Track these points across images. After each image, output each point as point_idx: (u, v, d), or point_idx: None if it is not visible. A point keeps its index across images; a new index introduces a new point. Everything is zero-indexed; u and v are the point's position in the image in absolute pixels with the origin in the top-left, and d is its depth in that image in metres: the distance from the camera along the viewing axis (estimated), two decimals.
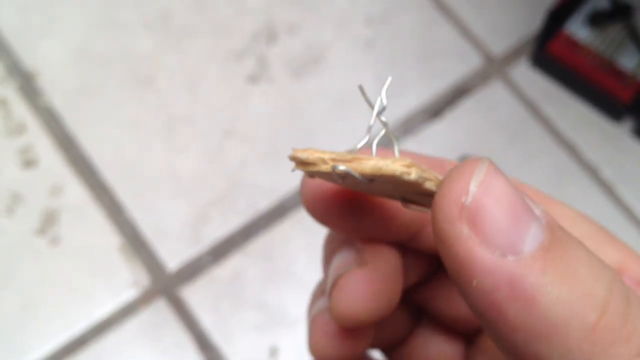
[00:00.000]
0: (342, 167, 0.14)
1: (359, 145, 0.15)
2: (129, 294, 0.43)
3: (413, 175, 0.14)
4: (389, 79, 0.15)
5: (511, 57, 0.52)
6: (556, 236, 0.13)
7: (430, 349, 0.20)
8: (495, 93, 0.51)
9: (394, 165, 0.14)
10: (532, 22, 0.52)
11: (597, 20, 0.50)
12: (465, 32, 0.52)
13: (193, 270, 0.44)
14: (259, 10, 0.52)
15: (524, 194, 0.14)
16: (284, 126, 0.49)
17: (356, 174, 0.14)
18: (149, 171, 0.47)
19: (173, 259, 0.44)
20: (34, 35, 0.50)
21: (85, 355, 0.41)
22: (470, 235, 0.13)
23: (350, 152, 0.15)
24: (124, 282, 0.43)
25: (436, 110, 0.50)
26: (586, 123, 0.50)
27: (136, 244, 0.44)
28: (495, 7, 0.53)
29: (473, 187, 0.13)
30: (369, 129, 0.15)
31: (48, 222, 0.44)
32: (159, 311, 0.43)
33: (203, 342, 0.42)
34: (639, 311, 0.13)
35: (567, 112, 0.51)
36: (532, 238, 0.13)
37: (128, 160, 0.47)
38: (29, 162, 0.46)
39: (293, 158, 0.15)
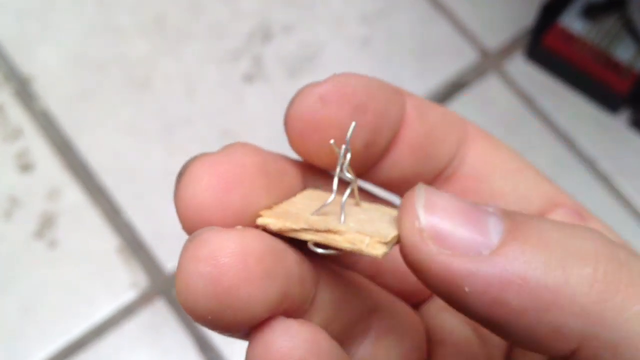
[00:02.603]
0: (320, 250, 0.14)
1: (328, 201, 0.15)
2: (127, 296, 0.43)
3: (383, 252, 0.14)
4: (353, 124, 0.15)
5: (506, 51, 0.52)
6: (515, 219, 0.14)
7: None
8: (491, 87, 0.51)
9: (370, 249, 0.14)
10: (526, 15, 0.52)
11: (592, 12, 0.50)
12: (459, 27, 0.52)
13: None
14: (254, 10, 0.52)
15: (469, 200, 0.14)
16: (280, 126, 0.49)
17: (332, 252, 0.14)
18: (147, 173, 0.47)
19: (171, 259, 0.44)
20: (29, 40, 0.50)
21: (85, 357, 0.41)
22: (440, 251, 0.13)
23: (318, 210, 0.15)
24: (123, 283, 0.43)
25: None
26: (583, 115, 0.50)
27: (134, 245, 0.44)
28: (489, 1, 0.53)
29: (420, 210, 0.13)
30: (336, 182, 0.15)
31: (46, 225, 0.44)
32: (158, 312, 0.43)
33: (203, 343, 0.42)
34: (627, 255, 0.14)
35: (564, 105, 0.50)
36: (494, 229, 0.13)
37: (125, 162, 0.47)
38: (25, 167, 0.46)
39: (263, 224, 0.14)
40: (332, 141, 0.15)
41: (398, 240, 0.14)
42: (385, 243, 0.14)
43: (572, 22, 0.50)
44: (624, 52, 0.49)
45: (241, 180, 0.14)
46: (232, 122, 0.49)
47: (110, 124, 0.48)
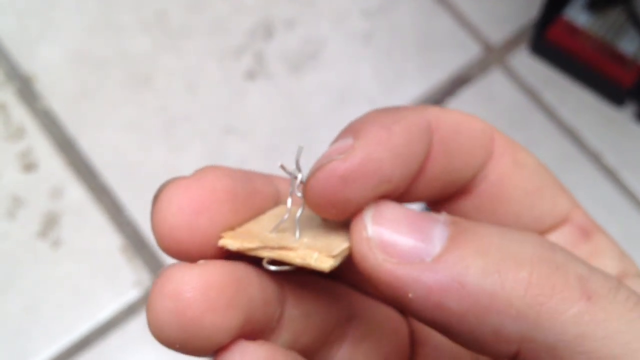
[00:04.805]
0: (273, 267, 0.15)
1: (284, 218, 0.16)
2: (131, 294, 0.43)
3: (329, 266, 0.15)
4: (300, 146, 0.16)
5: (510, 45, 0.52)
6: (461, 227, 0.15)
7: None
8: (495, 82, 0.50)
9: (319, 263, 0.15)
10: (530, 9, 0.52)
11: (596, 4, 0.50)
12: (463, 21, 0.52)
13: None
14: (256, 6, 0.52)
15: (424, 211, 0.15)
16: (282, 122, 0.49)
17: (286, 268, 0.15)
18: (149, 171, 0.46)
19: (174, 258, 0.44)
20: (31, 39, 0.50)
21: (89, 356, 0.41)
22: (386, 259, 0.14)
23: (276, 227, 0.16)
24: (126, 282, 0.43)
25: (436, 101, 0.50)
26: (588, 109, 0.50)
27: (137, 244, 0.44)
28: None
29: (368, 221, 0.15)
30: (289, 202, 0.16)
31: (49, 225, 0.44)
32: None
33: None
34: (566, 258, 0.14)
35: (569, 98, 0.50)
36: (438, 237, 0.14)
37: (128, 160, 0.47)
38: (29, 166, 0.46)
39: (223, 245, 0.16)
40: (280, 164, 0.16)
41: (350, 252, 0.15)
42: (333, 257, 0.15)
43: (576, 15, 0.50)
44: (628, 45, 0.49)
45: (209, 204, 0.15)
46: (234, 119, 0.48)
47: (112, 122, 0.48)
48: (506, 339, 0.14)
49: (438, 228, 0.15)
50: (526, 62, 0.51)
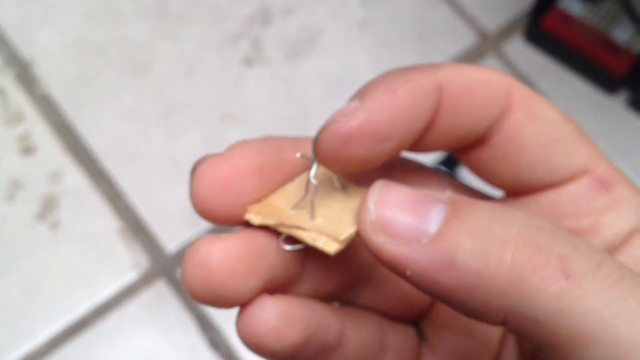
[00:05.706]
0: (287, 247, 0.17)
1: (303, 198, 0.18)
2: (129, 276, 0.43)
3: (335, 250, 0.17)
4: (315, 137, 0.17)
5: (505, 33, 0.52)
6: (458, 207, 0.16)
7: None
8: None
9: (326, 247, 0.17)
10: None
11: None
12: (458, 9, 0.53)
13: None
14: None
15: (427, 191, 0.17)
16: (280, 108, 0.49)
17: (298, 247, 0.17)
18: (148, 156, 0.47)
19: (172, 241, 0.44)
20: (30, 24, 0.50)
21: (88, 336, 0.42)
22: (387, 240, 0.16)
23: (296, 205, 0.18)
24: (125, 264, 0.44)
25: None
26: (581, 96, 0.50)
27: (136, 227, 0.45)
28: None
29: (371, 205, 0.16)
30: (308, 183, 0.18)
31: (48, 207, 0.45)
32: (160, 292, 0.43)
33: (204, 322, 0.43)
34: (551, 238, 0.15)
35: (562, 86, 0.51)
36: (435, 217, 0.16)
37: (126, 145, 0.47)
38: (27, 149, 0.47)
39: (247, 219, 0.18)
40: (298, 154, 0.18)
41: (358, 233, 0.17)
42: (340, 241, 0.17)
43: (571, 3, 0.50)
44: (622, 33, 0.50)
45: (235, 181, 0.17)
46: (232, 105, 0.49)
47: (111, 108, 0.48)
48: (494, 311, 0.15)
49: (437, 209, 0.16)
50: (521, 50, 0.51)
